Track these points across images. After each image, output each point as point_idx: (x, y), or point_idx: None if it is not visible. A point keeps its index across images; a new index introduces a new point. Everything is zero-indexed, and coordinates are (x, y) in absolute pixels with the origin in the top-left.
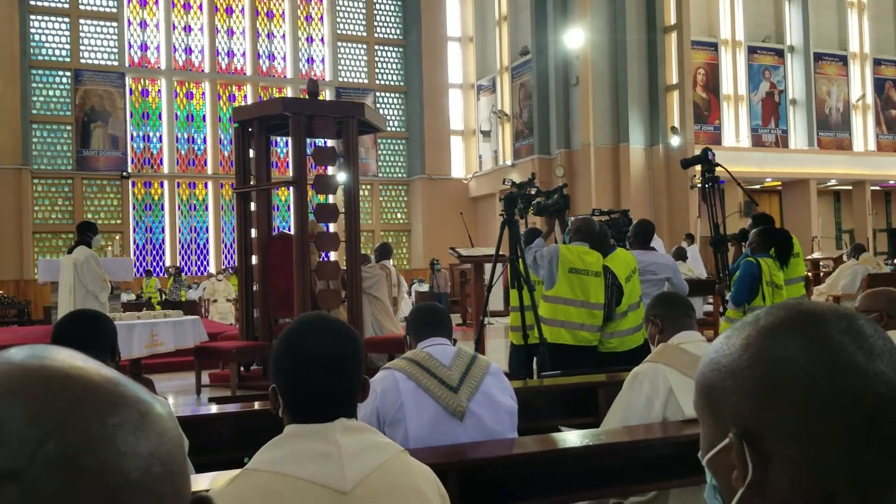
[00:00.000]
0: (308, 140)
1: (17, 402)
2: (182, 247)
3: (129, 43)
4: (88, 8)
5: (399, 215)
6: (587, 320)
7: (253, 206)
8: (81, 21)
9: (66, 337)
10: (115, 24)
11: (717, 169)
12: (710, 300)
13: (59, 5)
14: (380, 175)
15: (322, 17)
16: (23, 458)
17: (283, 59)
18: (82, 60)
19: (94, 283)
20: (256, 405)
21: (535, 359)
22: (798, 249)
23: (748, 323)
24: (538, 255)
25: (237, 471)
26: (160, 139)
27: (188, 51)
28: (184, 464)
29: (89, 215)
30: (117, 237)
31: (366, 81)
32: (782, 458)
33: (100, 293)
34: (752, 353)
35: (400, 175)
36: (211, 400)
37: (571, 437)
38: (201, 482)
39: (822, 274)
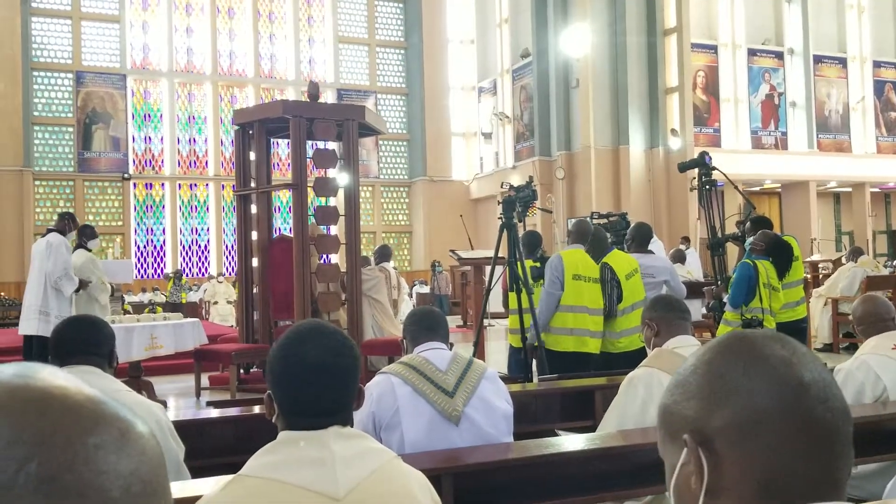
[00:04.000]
0: (309, 142)
1: (0, 422)
2: (183, 248)
3: (131, 45)
4: (90, 10)
5: (400, 217)
6: (591, 326)
7: (253, 209)
8: (83, 23)
9: (63, 342)
10: (116, 25)
11: (715, 172)
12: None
13: (61, 7)
14: (381, 177)
15: (324, 19)
16: (5, 477)
17: (285, 61)
18: (84, 62)
19: (94, 287)
20: (256, 409)
21: (534, 361)
22: (797, 253)
23: (697, 353)
24: (549, 284)
25: (231, 476)
26: (161, 141)
27: (190, 52)
28: (165, 482)
29: (90, 217)
30: (118, 239)
31: (367, 83)
32: (729, 446)
33: (99, 295)
34: (696, 364)
35: (401, 177)
36: (210, 404)
37: (566, 442)
38: (201, 487)
39: (820, 276)
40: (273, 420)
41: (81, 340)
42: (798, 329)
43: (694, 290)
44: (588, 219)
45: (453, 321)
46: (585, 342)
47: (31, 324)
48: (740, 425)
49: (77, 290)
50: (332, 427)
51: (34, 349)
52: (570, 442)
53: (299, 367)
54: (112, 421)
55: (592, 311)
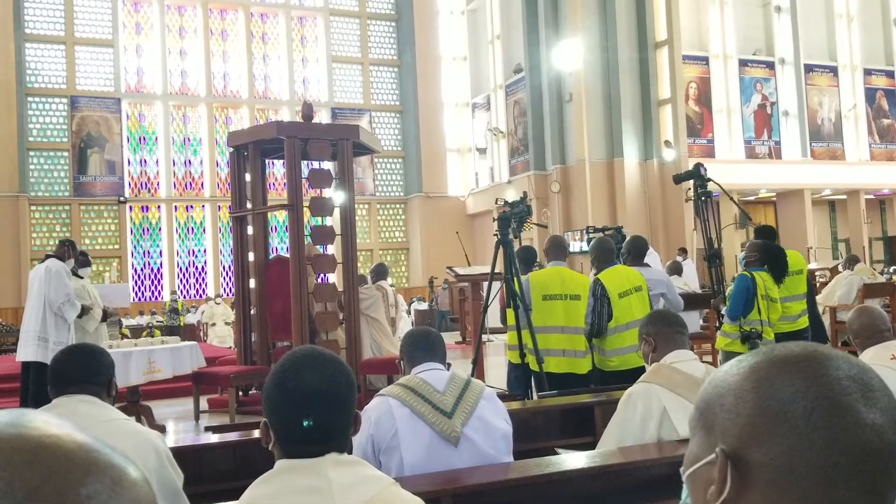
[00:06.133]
0: (304, 162)
1: None
2: (180, 270)
3: (125, 69)
4: (84, 35)
5: (397, 234)
6: (565, 345)
7: (250, 230)
8: (77, 48)
9: (61, 371)
10: (110, 50)
11: (710, 183)
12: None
13: (55, 33)
14: (377, 194)
15: (317, 39)
16: None
17: (279, 81)
18: (78, 87)
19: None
20: (255, 433)
21: (532, 377)
22: (802, 266)
23: (762, 352)
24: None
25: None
26: (157, 163)
27: (184, 75)
28: None
29: (87, 241)
30: (115, 263)
31: (361, 101)
32: (762, 482)
33: (87, 323)
34: (759, 377)
35: (397, 194)
36: (208, 428)
37: (566, 461)
38: None
39: (818, 284)
40: (270, 448)
41: (80, 369)
42: (799, 337)
43: (691, 301)
44: (593, 232)
45: (452, 337)
46: (559, 363)
47: (29, 350)
48: (781, 469)
49: (80, 316)
50: (330, 454)
51: (32, 376)
52: (570, 460)
53: (295, 395)
54: (104, 469)
55: (567, 329)
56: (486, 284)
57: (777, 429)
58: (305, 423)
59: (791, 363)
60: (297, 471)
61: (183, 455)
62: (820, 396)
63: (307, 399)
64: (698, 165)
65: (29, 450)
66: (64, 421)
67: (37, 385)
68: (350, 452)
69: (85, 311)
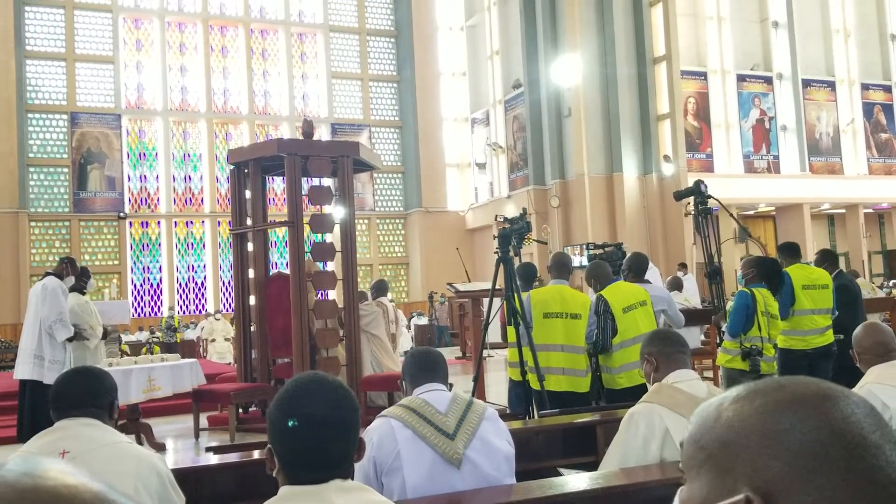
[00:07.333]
0: (304, 179)
1: None
2: (180, 286)
3: (125, 85)
4: (84, 52)
5: (397, 249)
6: (565, 364)
7: (250, 247)
8: (77, 65)
9: (64, 394)
10: (110, 66)
11: (710, 199)
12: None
13: (56, 49)
14: (377, 209)
15: (316, 55)
16: None
17: (279, 97)
18: (78, 103)
19: (84, 332)
20: (255, 454)
21: (533, 395)
22: (827, 281)
23: (772, 389)
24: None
25: None
26: (157, 179)
27: (184, 91)
28: None
29: (87, 257)
30: (115, 279)
31: (361, 117)
32: None
33: (89, 338)
34: (786, 417)
35: (397, 209)
36: (209, 449)
37: (569, 483)
38: None
39: None
40: (274, 474)
41: (81, 392)
42: (828, 353)
43: (692, 317)
44: (593, 249)
45: (452, 353)
46: (559, 381)
47: (25, 368)
48: None
49: (71, 339)
50: (334, 480)
51: (27, 394)
52: (573, 482)
53: (300, 421)
54: None
55: (567, 347)
56: (486, 301)
57: (818, 470)
58: (290, 424)
59: (814, 401)
60: (302, 497)
61: (184, 476)
62: (854, 435)
63: (311, 426)
64: (699, 182)
65: (46, 501)
66: (79, 470)
67: (32, 403)
68: (352, 476)
69: (78, 336)
